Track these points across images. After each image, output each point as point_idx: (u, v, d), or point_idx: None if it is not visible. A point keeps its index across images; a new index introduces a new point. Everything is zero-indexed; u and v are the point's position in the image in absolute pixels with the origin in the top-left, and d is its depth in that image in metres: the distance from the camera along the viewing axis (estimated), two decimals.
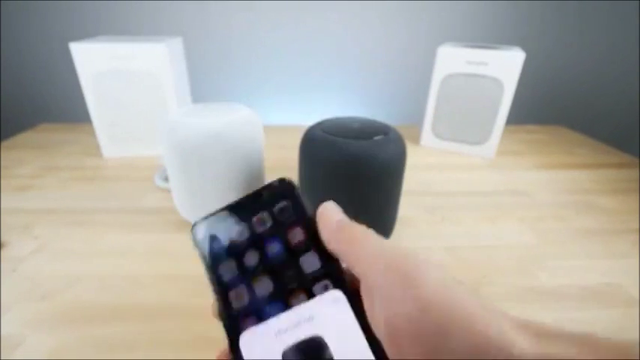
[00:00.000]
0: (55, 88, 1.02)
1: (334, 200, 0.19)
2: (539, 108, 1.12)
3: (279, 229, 0.18)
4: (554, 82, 1.09)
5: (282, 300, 0.16)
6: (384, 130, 0.48)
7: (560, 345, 0.12)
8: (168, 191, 0.57)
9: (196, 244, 0.18)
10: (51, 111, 1.04)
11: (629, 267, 0.43)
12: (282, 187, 0.18)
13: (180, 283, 0.39)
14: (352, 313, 0.16)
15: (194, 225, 0.19)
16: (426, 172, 0.67)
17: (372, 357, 0.15)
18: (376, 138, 0.45)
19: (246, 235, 0.18)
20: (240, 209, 0.18)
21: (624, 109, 1.11)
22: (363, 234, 0.16)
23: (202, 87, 1.02)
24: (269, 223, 0.18)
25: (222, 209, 0.19)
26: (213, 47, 1.00)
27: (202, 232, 0.18)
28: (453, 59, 0.69)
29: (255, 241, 0.18)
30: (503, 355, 0.11)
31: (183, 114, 0.44)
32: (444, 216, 0.53)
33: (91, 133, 0.69)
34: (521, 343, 0.12)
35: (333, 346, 0.15)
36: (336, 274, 0.17)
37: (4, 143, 0.76)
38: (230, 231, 0.18)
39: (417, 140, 0.80)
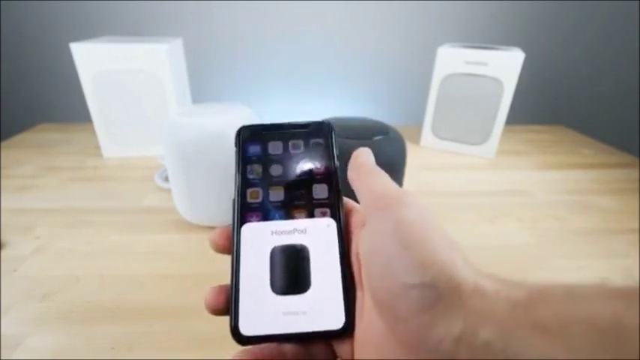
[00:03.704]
0: (55, 88, 1.02)
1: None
2: (539, 108, 1.12)
3: (306, 157, 0.21)
4: (554, 82, 1.09)
5: (287, 211, 0.20)
6: (384, 130, 0.48)
7: (500, 284, 0.14)
8: (169, 191, 0.57)
9: (237, 142, 0.21)
10: (51, 111, 1.04)
11: (628, 267, 0.43)
12: (324, 128, 0.22)
13: (180, 283, 0.39)
14: (337, 239, 0.19)
15: (242, 127, 0.22)
16: (426, 172, 0.67)
17: (339, 272, 0.18)
18: (376, 138, 0.45)
19: (279, 151, 0.21)
20: (283, 130, 0.22)
21: (624, 109, 1.11)
22: (377, 175, 0.19)
23: (202, 87, 1.02)
24: (301, 150, 0.21)
25: (270, 125, 0.22)
26: (213, 47, 1.00)
27: (246, 136, 0.22)
28: (452, 59, 0.69)
29: (284, 159, 0.21)
30: (444, 275, 0.14)
31: (184, 114, 0.44)
32: (443, 216, 0.53)
33: (91, 133, 0.69)
34: (467, 274, 0.14)
35: (313, 257, 0.18)
36: (336, 208, 0.20)
37: (4, 143, 0.76)
38: (268, 143, 0.21)
39: (417, 140, 0.80)
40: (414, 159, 0.72)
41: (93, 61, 0.62)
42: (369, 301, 0.17)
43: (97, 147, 0.70)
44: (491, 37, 0.99)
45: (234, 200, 0.20)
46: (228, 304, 0.18)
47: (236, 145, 0.21)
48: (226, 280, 0.18)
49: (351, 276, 0.18)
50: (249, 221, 0.19)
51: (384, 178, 0.18)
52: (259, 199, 0.20)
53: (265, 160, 0.21)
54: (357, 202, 0.19)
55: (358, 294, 0.18)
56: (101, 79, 0.64)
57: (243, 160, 0.21)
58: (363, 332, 0.17)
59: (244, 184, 0.20)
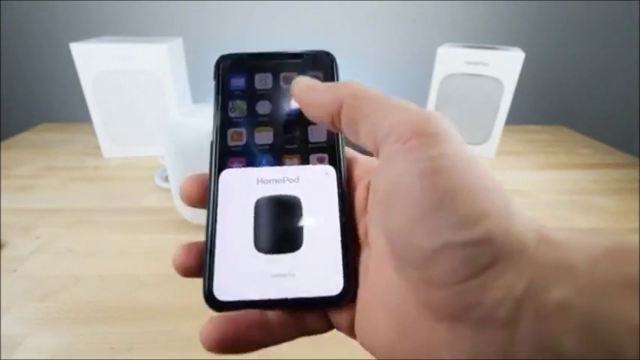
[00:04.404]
0: (55, 88, 1.01)
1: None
2: (540, 108, 1.12)
3: None
4: (555, 82, 1.09)
5: (277, 155, 0.16)
6: None
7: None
8: (169, 191, 0.57)
9: (217, 74, 0.18)
10: (51, 111, 1.04)
11: None
12: (323, 59, 0.18)
13: (180, 283, 0.39)
14: (336, 190, 0.16)
15: (222, 56, 0.18)
16: None
17: (338, 228, 0.15)
18: None
19: (269, 85, 0.18)
20: (274, 60, 0.18)
21: (624, 109, 1.11)
22: (382, 101, 0.14)
23: (202, 87, 1.02)
24: None
25: (257, 53, 0.18)
26: (213, 47, 1.00)
27: (228, 65, 0.18)
28: (452, 59, 0.69)
29: (275, 95, 0.17)
30: (501, 226, 0.11)
31: (184, 114, 0.44)
32: None
33: (91, 133, 0.69)
34: (528, 222, 0.11)
35: (307, 210, 0.15)
36: (337, 153, 0.16)
37: (4, 143, 0.76)
38: (255, 75, 0.18)
39: None
40: None
41: (93, 61, 0.62)
42: (378, 260, 0.14)
43: (97, 147, 0.70)
44: (491, 37, 0.99)
45: (212, 142, 0.17)
46: (201, 262, 0.15)
47: (215, 78, 0.18)
48: None
49: (354, 232, 0.15)
50: (230, 167, 0.16)
51: (391, 97, 0.14)
52: (242, 142, 0.17)
53: (251, 95, 0.17)
54: (357, 145, 0.15)
55: (363, 252, 0.15)
56: (101, 79, 0.64)
57: (224, 94, 0.17)
58: (368, 298, 0.14)
59: (225, 123, 0.17)
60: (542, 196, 0.60)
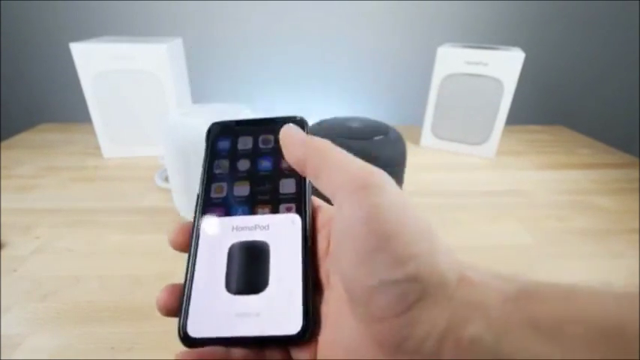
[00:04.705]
0: (55, 88, 1.02)
1: None
2: (540, 108, 1.12)
3: (275, 152, 0.20)
4: (555, 82, 1.09)
5: (251, 206, 0.19)
6: (384, 130, 0.48)
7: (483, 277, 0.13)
8: (169, 191, 0.57)
9: (207, 138, 0.21)
10: (51, 111, 1.04)
11: (628, 267, 0.43)
12: (297, 123, 0.21)
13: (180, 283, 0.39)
14: (301, 236, 0.18)
15: (214, 123, 0.22)
16: (426, 173, 0.67)
17: (301, 271, 0.17)
18: (376, 138, 0.45)
19: (249, 146, 0.21)
20: (254, 125, 0.22)
21: (624, 109, 1.11)
22: (342, 153, 0.17)
23: (202, 87, 1.02)
24: (270, 145, 0.21)
25: (242, 120, 0.22)
26: (213, 47, 1.00)
27: (217, 132, 0.22)
28: (452, 59, 0.69)
29: (253, 154, 0.21)
30: (428, 267, 0.12)
31: (183, 114, 0.44)
32: (443, 216, 0.53)
33: (91, 133, 0.69)
34: (451, 264, 0.13)
35: (274, 255, 0.17)
36: (302, 203, 0.19)
37: (4, 143, 0.76)
38: (238, 138, 0.21)
39: (417, 140, 0.80)
40: (414, 159, 0.72)
41: (93, 61, 0.62)
42: (337, 300, 0.15)
43: (97, 147, 0.70)
44: (491, 37, 0.99)
45: (197, 195, 0.20)
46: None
47: (206, 141, 0.21)
48: None
49: (315, 275, 0.17)
50: (211, 216, 0.19)
51: (348, 155, 0.17)
52: (223, 194, 0.19)
53: (233, 155, 0.21)
54: (322, 195, 0.18)
55: (325, 294, 0.16)
56: (101, 79, 0.64)
57: (211, 155, 0.21)
58: (329, 335, 0.15)
59: (210, 178, 0.20)
60: (542, 196, 0.60)
